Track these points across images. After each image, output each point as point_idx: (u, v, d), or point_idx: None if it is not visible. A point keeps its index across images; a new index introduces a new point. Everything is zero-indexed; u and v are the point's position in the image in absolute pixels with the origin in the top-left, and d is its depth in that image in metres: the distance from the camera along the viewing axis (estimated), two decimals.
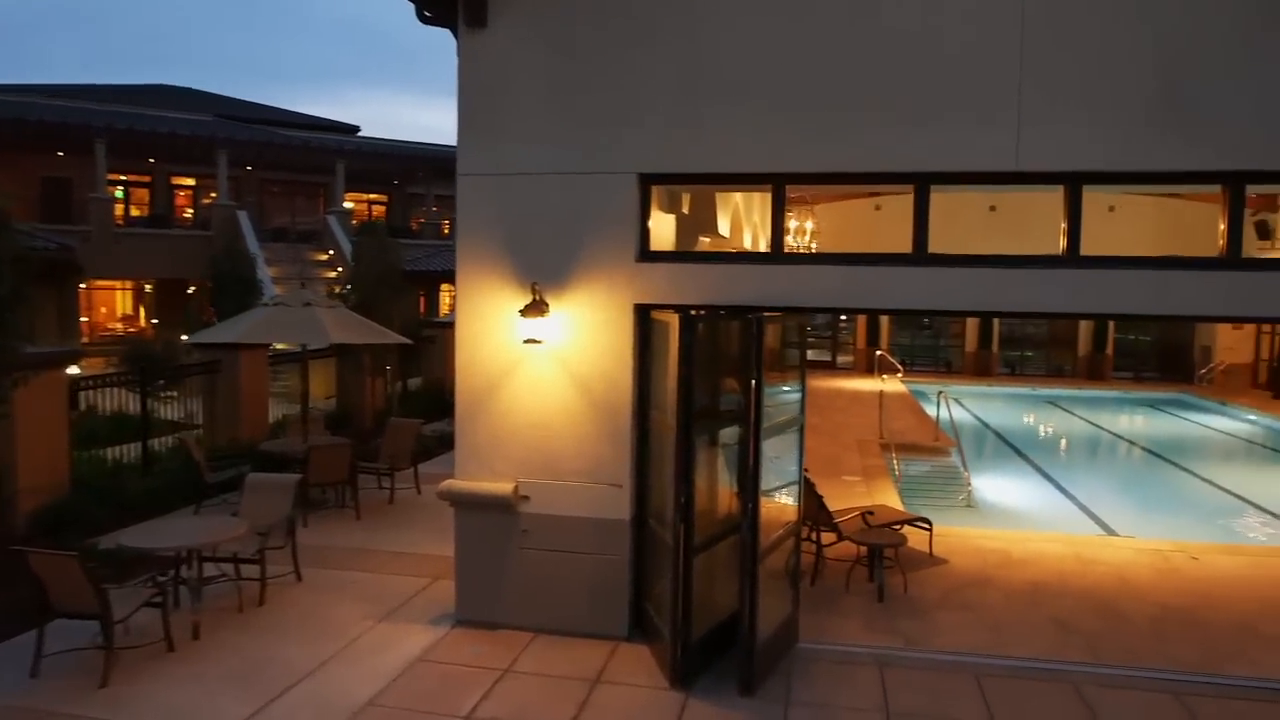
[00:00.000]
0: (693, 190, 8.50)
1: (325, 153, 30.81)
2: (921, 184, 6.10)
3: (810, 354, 29.74)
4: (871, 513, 8.20)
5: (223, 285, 19.28)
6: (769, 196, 6.53)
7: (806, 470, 7.89)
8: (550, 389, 6.51)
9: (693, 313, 6.02)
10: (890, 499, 10.64)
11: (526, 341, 6.33)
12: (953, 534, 9.32)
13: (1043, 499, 12.71)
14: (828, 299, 6.20)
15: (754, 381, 5.61)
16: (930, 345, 29.28)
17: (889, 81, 5.96)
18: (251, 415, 12.39)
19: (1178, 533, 11.14)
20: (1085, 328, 26.48)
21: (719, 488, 6.51)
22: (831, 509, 8.14)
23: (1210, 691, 5.92)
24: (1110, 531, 10.64)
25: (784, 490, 6.49)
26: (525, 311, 6.29)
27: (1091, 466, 16.45)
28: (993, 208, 26.36)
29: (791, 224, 19.16)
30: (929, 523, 8.63)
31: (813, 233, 19.66)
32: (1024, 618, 7.11)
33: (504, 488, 6.56)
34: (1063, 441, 18.87)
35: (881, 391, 16.30)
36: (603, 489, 6.47)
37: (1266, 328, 24.26)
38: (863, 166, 6.08)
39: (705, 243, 10.15)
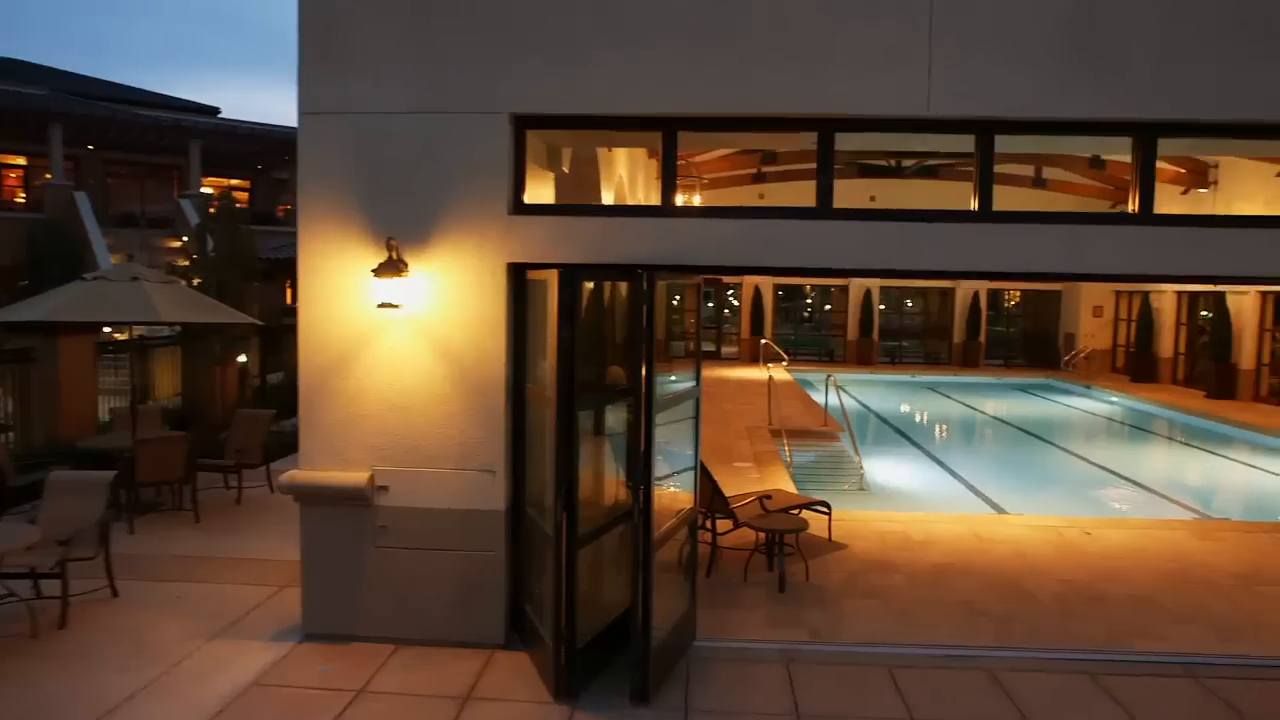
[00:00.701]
0: (575, 150, 7.75)
1: (179, 132, 28.44)
2: (825, 130, 5.56)
3: None
4: (769, 497, 7.68)
5: (42, 265, 17.05)
6: (655, 166, 5.86)
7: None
8: (411, 362, 5.65)
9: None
10: (784, 484, 10.21)
11: (381, 306, 5.44)
12: (850, 518, 8.92)
13: (932, 480, 12.62)
14: (725, 256, 5.57)
15: (645, 347, 4.92)
16: (813, 336, 29.51)
17: (792, 18, 5.38)
18: (74, 410, 10.87)
19: (1064, 509, 11.19)
20: (960, 317, 27.20)
21: (606, 472, 5.81)
22: (727, 494, 7.57)
23: (1123, 670, 5.63)
24: (1000, 510, 10.54)
25: (679, 475, 5.85)
26: (379, 271, 5.40)
27: (975, 448, 16.65)
28: (873, 198, 26.77)
29: (679, 199, 18.67)
30: (828, 506, 8.18)
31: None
32: (931, 601, 6.70)
33: (357, 477, 5.65)
34: (946, 425, 19.13)
35: (770, 378, 15.98)
36: (473, 475, 5.65)
37: (1123, 315, 25.48)
38: (763, 109, 5.47)
39: None
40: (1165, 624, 6.39)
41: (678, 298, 6.12)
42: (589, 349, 5.65)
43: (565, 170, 7.35)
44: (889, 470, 13.10)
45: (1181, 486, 13.01)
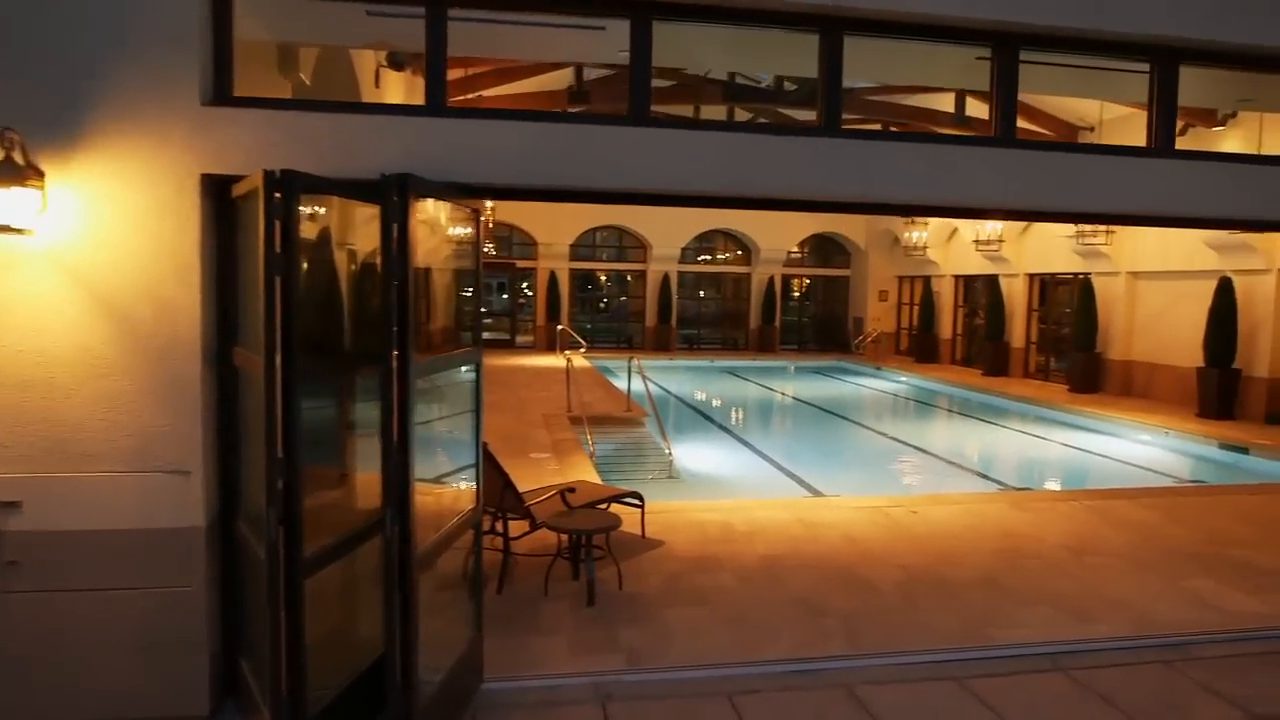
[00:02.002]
0: (321, 55, 6.08)
1: None
2: (640, 14, 4.33)
3: (486, 334, 27.80)
4: (572, 490, 6.39)
5: None
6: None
7: (486, 443, 5.96)
8: (54, 318, 3.86)
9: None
10: (588, 475, 8.99)
11: None
12: (664, 509, 7.84)
13: (744, 464, 11.87)
14: (511, 171, 4.20)
15: (396, 288, 3.48)
16: (611, 324, 28.58)
17: None
18: None
19: (879, 486, 10.76)
20: (755, 302, 27.29)
21: (354, 468, 4.30)
22: (521, 489, 6.24)
23: (988, 669, 4.84)
24: (815, 491, 9.87)
25: (456, 467, 4.44)
26: None
27: (782, 430, 16.27)
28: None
29: None
30: (640, 499, 7.02)
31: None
32: (767, 603, 5.69)
33: None
34: (751, 409, 18.74)
35: (569, 362, 14.74)
36: (158, 480, 3.95)
37: (906, 300, 26.50)
38: None
39: None
40: (1016, 608, 5.73)
41: (469, 289, 4.73)
42: (322, 273, 4.13)
43: (306, 81, 5.69)
44: (699, 455, 12.25)
45: (981, 459, 13.11)
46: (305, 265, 3.82)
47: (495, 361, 21.94)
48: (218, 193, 4.02)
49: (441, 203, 4.16)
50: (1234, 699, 4.60)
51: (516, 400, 14.89)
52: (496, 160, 4.17)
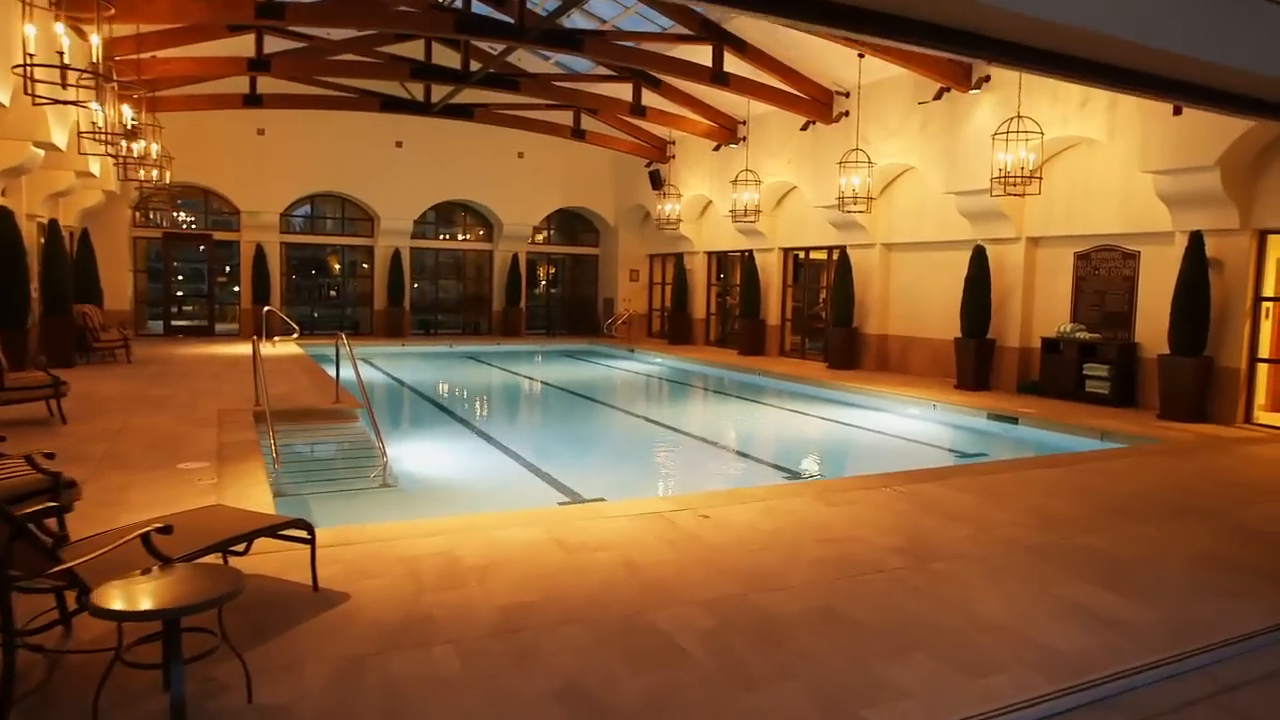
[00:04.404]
0: None
1: None
2: None
3: (179, 321, 23.15)
4: (167, 530, 3.63)
5: None
6: None
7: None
8: None
9: None
10: (254, 491, 6.21)
11: None
12: (357, 540, 5.30)
13: (485, 464, 9.45)
14: None
15: None
16: (334, 310, 24.75)
17: None
18: None
19: (651, 483, 8.87)
20: (498, 283, 24.85)
21: None
22: (98, 530, 3.47)
23: None
24: (577, 496, 7.69)
25: None
26: None
27: (530, 422, 13.97)
28: (399, 143, 23.35)
29: (126, 113, 13.03)
30: (310, 530, 4.42)
31: (147, 132, 13.74)
32: (511, 700, 3.35)
33: None
34: (495, 398, 16.24)
35: (253, 344, 11.37)
36: None
37: (659, 279, 25.22)
38: None
39: None
40: (881, 660, 3.84)
41: None
42: None
43: None
44: (428, 456, 9.71)
45: (760, 444, 11.60)
46: None
47: (185, 351, 17.93)
48: None
49: None
50: None
51: (190, 394, 11.48)
52: None
